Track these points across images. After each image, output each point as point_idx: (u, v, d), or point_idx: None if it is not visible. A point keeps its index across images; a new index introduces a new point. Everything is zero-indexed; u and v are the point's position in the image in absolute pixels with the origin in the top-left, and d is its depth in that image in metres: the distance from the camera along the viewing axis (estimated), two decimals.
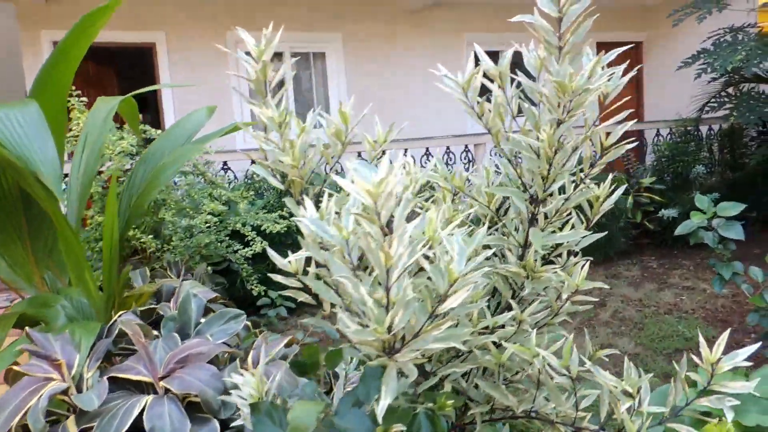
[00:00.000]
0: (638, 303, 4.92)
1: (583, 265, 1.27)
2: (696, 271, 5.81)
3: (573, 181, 1.32)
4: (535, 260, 1.26)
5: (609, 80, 1.38)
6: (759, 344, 1.14)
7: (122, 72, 8.18)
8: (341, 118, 1.26)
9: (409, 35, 8.53)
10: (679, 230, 2.65)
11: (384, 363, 0.92)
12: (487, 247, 1.33)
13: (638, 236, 6.81)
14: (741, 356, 1.07)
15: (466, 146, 7.16)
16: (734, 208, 2.55)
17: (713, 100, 7.10)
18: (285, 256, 1.08)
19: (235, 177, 6.05)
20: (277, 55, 7.83)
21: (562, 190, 1.39)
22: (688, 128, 7.24)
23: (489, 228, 1.39)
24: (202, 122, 2.61)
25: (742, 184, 7.39)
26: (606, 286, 1.51)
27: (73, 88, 3.38)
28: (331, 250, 0.90)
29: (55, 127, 2.28)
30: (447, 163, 6.98)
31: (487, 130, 1.34)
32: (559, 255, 1.43)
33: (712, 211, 2.54)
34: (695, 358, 1.16)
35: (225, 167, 5.97)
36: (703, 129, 7.79)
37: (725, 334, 1.09)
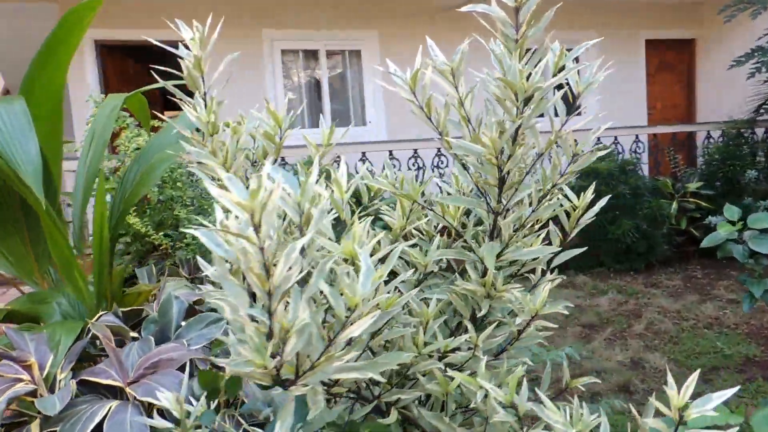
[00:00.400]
0: (676, 315, 4.64)
1: (545, 286, 1.12)
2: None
3: (539, 190, 1.18)
4: (497, 277, 1.13)
5: (596, 77, 1.21)
6: (736, 388, 0.98)
7: (158, 70, 8.31)
8: (273, 118, 1.15)
9: (447, 33, 8.35)
10: (706, 242, 2.44)
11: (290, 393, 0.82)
12: (440, 261, 1.21)
13: (683, 244, 6.47)
14: (714, 401, 0.92)
15: None
16: (767, 219, 2.32)
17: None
18: None
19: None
20: (312, 53, 7.84)
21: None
22: (741, 131, 6.83)
23: (455, 241, 1.26)
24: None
25: None
26: (569, 304, 1.36)
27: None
28: (227, 266, 0.80)
29: (48, 127, 2.27)
30: (438, 167, 6.80)
31: (438, 132, 1.21)
32: (533, 271, 1.30)
33: (741, 223, 2.32)
34: (657, 403, 1.01)
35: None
36: (759, 132, 7.35)
37: (695, 375, 0.93)
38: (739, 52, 6.92)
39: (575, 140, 1.26)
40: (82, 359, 1.92)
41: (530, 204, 1.19)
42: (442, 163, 6.65)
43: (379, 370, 0.91)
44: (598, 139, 7.25)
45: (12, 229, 2.40)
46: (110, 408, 1.60)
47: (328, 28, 7.87)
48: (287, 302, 0.78)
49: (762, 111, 6.66)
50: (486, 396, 1.00)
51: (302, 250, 0.87)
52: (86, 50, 6.89)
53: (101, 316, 2.00)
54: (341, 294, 0.78)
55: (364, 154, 6.31)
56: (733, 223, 2.37)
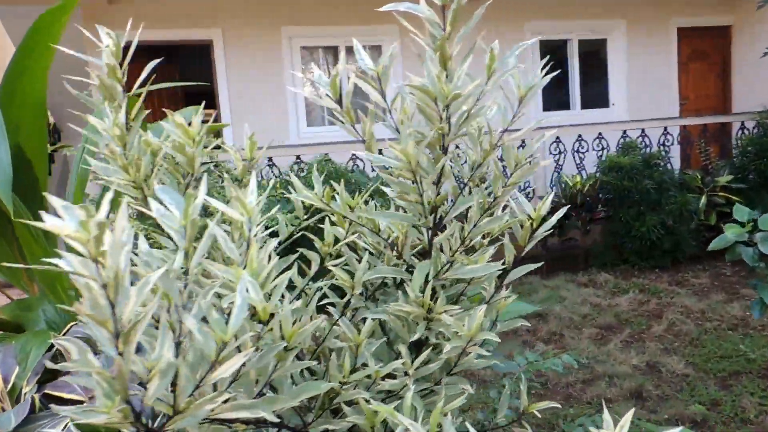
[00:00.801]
0: (700, 315, 4.44)
1: (480, 311, 1.02)
2: None
3: (480, 204, 1.08)
4: (436, 298, 1.04)
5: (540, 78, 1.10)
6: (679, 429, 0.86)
7: (184, 70, 8.37)
8: (183, 133, 1.07)
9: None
10: (713, 245, 2.29)
11: None
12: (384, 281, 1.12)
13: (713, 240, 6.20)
14: None
15: (523, 141, 6.77)
16: None
17: None
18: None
19: (280, 173, 6.01)
20: (332, 49, 7.75)
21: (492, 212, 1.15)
22: None
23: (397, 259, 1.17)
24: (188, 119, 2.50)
25: None
26: (527, 324, 1.26)
27: None
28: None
29: (31, 132, 2.26)
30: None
31: (363, 140, 1.12)
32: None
33: (751, 224, 2.16)
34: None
35: (270, 163, 5.94)
36: None
37: (629, 415, 0.83)
38: None
39: (523, 144, 1.16)
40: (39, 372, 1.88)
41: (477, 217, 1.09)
42: None
43: (279, 407, 0.83)
44: (625, 132, 7.03)
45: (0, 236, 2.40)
46: (66, 425, 1.57)
47: (348, 24, 7.79)
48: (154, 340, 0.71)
49: None
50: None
51: (187, 278, 0.80)
52: None
53: (72, 326, 1.97)
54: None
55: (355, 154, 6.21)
56: (743, 225, 2.22)
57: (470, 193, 1.09)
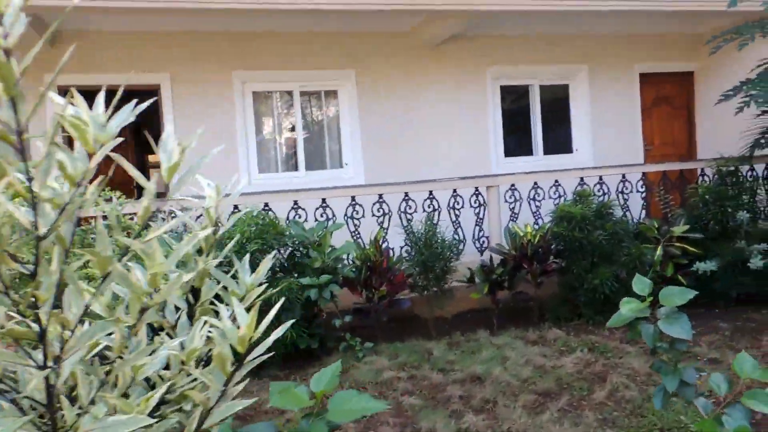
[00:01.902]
0: (646, 379, 4.14)
1: None
2: (734, 337, 4.94)
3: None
4: None
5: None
6: None
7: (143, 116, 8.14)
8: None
9: (426, 71, 8.08)
10: (611, 322, 2.03)
11: None
12: None
13: None
14: None
15: (476, 188, 6.57)
16: (682, 294, 1.91)
17: (763, 136, 6.21)
18: None
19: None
20: (288, 93, 7.57)
21: None
22: (735, 168, 6.34)
23: None
24: None
25: None
26: None
27: None
28: None
29: None
30: (454, 207, 6.42)
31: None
32: None
33: (650, 298, 1.90)
34: None
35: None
36: (760, 169, 6.87)
37: None
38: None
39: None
40: None
41: None
42: (356, 213, 6.15)
43: None
44: (582, 179, 6.84)
45: None
46: None
47: (303, 68, 7.64)
48: None
49: (755, 147, 6.18)
50: None
51: None
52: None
53: None
54: None
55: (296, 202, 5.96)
56: (643, 298, 1.97)
57: None
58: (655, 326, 1.95)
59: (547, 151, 8.83)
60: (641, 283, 1.99)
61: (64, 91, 6.94)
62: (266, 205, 5.66)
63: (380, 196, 6.13)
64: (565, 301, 5.80)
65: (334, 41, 7.66)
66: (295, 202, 5.82)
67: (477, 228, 6.60)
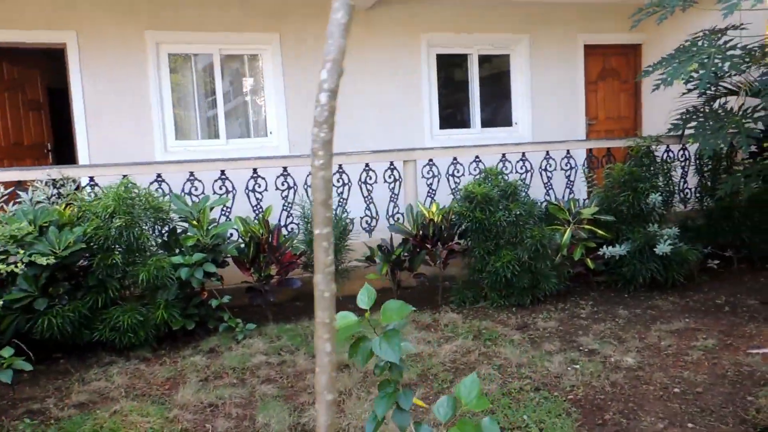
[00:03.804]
0: (514, 372, 3.97)
1: None
2: (627, 326, 4.78)
3: None
4: None
5: None
6: None
7: (49, 74, 7.77)
8: None
9: (356, 36, 7.72)
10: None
11: None
12: None
13: (581, 275, 5.79)
14: None
15: (392, 163, 6.32)
16: (400, 310, 1.66)
17: (682, 116, 5.97)
18: None
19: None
20: (208, 56, 7.20)
21: None
22: (651, 148, 6.12)
23: None
24: None
25: (718, 217, 6.23)
26: None
27: None
28: None
29: None
30: (366, 182, 6.17)
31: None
32: None
33: (368, 313, 1.68)
34: None
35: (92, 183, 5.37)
36: (692, 150, 6.68)
37: None
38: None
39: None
40: None
41: None
42: (258, 186, 5.92)
43: None
44: (504, 155, 6.59)
45: None
46: None
47: (223, 29, 7.27)
48: None
49: (671, 127, 5.94)
50: None
51: None
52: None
53: None
54: None
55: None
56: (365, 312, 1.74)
57: None
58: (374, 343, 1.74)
59: (486, 124, 8.55)
60: (364, 295, 1.77)
61: None
62: (159, 175, 5.41)
63: (285, 168, 5.87)
64: (470, 284, 5.62)
65: (258, 2, 7.28)
66: (191, 174, 5.55)
67: (392, 204, 6.37)
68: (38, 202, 4.90)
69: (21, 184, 5.19)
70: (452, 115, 8.47)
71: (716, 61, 4.73)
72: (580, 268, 5.70)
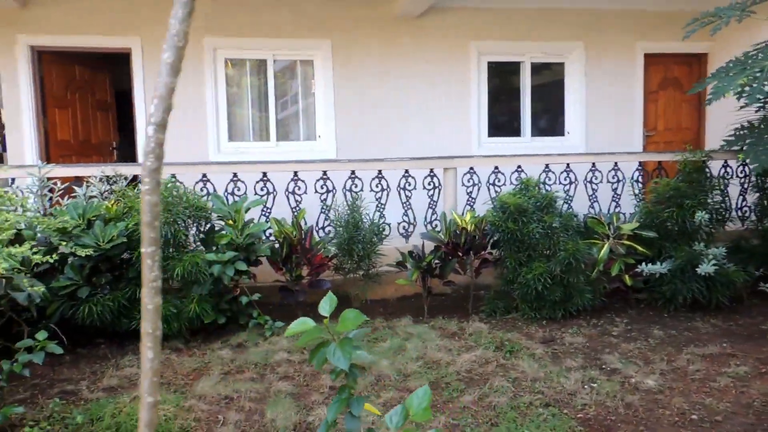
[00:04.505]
0: (528, 386, 3.93)
1: None
2: (658, 347, 4.61)
3: None
4: None
5: None
6: None
7: (117, 77, 8.28)
8: None
9: (405, 43, 7.80)
10: (300, 342, 1.87)
11: None
12: None
13: (620, 291, 5.63)
14: None
15: (431, 170, 6.35)
16: (356, 319, 1.71)
17: (736, 131, 5.70)
18: None
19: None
20: (262, 62, 7.48)
21: None
22: (705, 163, 5.86)
23: None
24: None
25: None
26: None
27: None
28: None
29: None
30: (405, 189, 6.24)
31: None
32: None
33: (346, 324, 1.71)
34: None
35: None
36: (734, 165, 6.36)
37: None
38: None
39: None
40: None
41: None
42: (298, 188, 6.02)
43: None
44: (547, 166, 6.49)
45: None
46: None
47: (277, 36, 7.52)
48: None
49: (723, 143, 5.68)
50: None
51: None
52: (20, 57, 6.90)
53: None
54: None
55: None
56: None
57: None
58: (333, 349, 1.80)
59: (537, 133, 8.43)
60: (327, 303, 1.84)
61: (38, 53, 7.11)
62: (235, 175, 5.71)
63: (324, 172, 6.02)
64: (502, 294, 5.58)
65: (310, 9, 7.49)
66: (234, 175, 5.79)
67: (430, 211, 6.40)
68: (91, 197, 5.25)
69: (79, 180, 5.57)
70: (502, 123, 8.40)
71: None
72: (617, 284, 5.54)
